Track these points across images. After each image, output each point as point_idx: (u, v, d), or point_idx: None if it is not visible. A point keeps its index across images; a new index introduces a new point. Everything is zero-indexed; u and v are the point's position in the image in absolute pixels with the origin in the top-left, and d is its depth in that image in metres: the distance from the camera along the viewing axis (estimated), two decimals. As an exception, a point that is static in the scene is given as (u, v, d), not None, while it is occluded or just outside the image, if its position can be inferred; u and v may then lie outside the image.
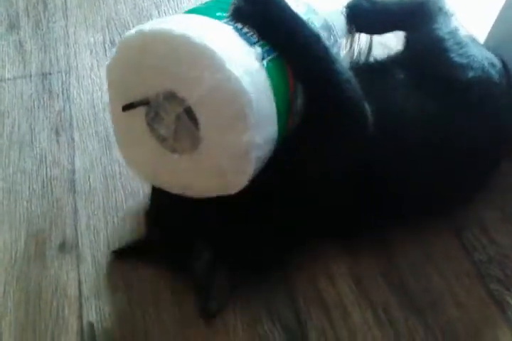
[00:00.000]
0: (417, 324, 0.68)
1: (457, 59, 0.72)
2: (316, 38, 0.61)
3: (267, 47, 0.59)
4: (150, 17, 1.09)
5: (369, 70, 0.79)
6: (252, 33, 0.59)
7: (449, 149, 0.70)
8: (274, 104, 0.58)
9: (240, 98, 0.54)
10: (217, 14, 0.60)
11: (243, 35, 0.58)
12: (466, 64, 0.72)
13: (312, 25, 0.64)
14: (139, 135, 0.62)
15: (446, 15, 0.78)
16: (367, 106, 0.63)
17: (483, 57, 0.75)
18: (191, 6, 0.66)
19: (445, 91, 0.71)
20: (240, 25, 0.59)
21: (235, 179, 0.59)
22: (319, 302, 0.70)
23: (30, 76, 0.98)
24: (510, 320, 0.68)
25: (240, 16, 0.59)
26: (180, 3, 1.11)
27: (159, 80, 0.57)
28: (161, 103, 0.58)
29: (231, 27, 0.58)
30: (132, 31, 0.58)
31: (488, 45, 0.83)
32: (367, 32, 0.82)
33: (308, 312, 0.69)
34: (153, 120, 0.60)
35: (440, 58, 0.73)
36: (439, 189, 0.72)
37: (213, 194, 0.61)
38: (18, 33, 1.06)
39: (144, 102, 0.59)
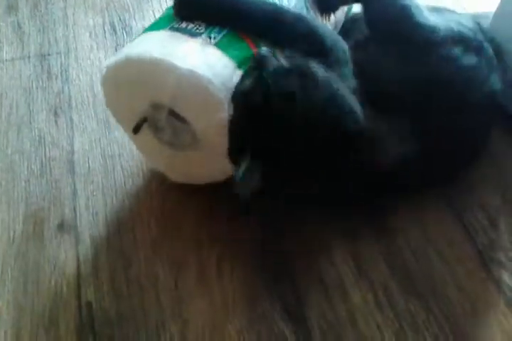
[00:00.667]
0: (418, 306, 0.68)
1: (424, 22, 0.74)
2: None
3: (215, 29, 0.65)
4: (150, 0, 1.08)
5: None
6: (196, 26, 0.65)
7: (433, 107, 0.71)
8: (238, 71, 0.64)
9: (201, 83, 0.61)
10: (165, 24, 0.68)
11: (187, 32, 0.65)
12: (433, 25, 0.74)
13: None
14: (154, 145, 0.71)
15: None
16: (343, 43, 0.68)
17: (449, 20, 0.77)
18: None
19: (421, 51, 0.73)
20: (184, 24, 0.66)
21: None
22: (319, 284, 0.70)
23: (29, 57, 0.97)
24: (511, 303, 0.68)
25: (182, 15, 0.67)
26: (181, -14, 1.10)
27: (142, 96, 0.66)
28: (153, 115, 0.66)
29: (174, 31, 0.66)
30: (108, 63, 0.67)
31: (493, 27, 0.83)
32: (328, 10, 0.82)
33: (309, 293, 0.69)
34: (156, 132, 0.69)
35: (407, 23, 0.74)
36: (429, 157, 0.70)
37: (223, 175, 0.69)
38: (16, 15, 1.05)
39: (143, 120, 0.68)
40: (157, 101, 0.65)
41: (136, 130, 0.69)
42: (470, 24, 0.79)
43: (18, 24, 1.04)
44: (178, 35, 0.65)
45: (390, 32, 0.75)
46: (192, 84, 0.61)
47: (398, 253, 0.72)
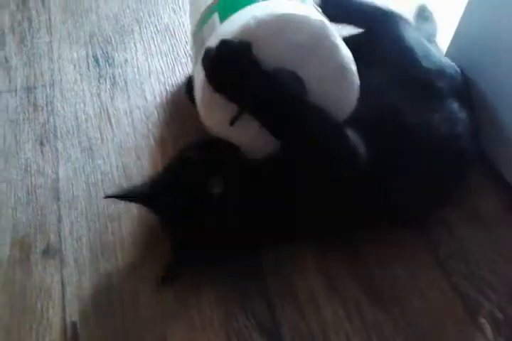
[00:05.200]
0: (384, 318, 0.72)
1: (431, 66, 0.78)
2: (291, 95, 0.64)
3: None
4: (132, 32, 1.13)
5: None
6: None
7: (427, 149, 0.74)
8: None
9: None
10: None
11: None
12: (440, 70, 0.78)
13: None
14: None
15: (407, 23, 0.85)
16: (355, 146, 0.67)
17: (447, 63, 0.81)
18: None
19: (424, 94, 0.76)
20: None
21: (350, 94, 0.69)
22: (293, 300, 0.74)
23: (16, 90, 1.02)
24: (471, 312, 0.72)
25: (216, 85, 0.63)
26: (161, 18, 1.16)
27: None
28: None
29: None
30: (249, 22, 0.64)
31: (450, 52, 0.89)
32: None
33: (282, 307, 0.73)
34: None
35: (415, 65, 0.78)
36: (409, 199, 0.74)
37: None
38: (3, 50, 1.10)
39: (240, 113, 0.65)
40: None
41: (233, 122, 0.66)
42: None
43: (6, 58, 1.09)
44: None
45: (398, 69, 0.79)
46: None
47: (364, 266, 0.77)
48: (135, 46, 1.10)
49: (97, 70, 1.06)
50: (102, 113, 0.97)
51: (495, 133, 0.82)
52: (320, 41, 0.66)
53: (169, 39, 1.11)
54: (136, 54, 1.08)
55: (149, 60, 1.07)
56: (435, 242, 0.79)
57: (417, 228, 0.80)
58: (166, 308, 0.72)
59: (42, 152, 0.91)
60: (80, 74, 1.05)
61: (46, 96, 1.01)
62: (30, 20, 1.17)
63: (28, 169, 0.89)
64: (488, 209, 0.83)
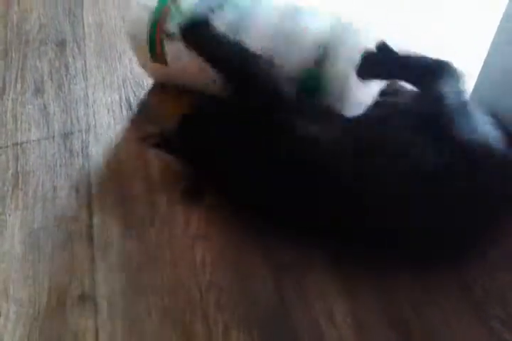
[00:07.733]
0: (419, 364, 0.70)
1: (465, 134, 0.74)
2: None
3: None
4: (163, 74, 1.17)
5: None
6: None
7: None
8: None
9: None
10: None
11: None
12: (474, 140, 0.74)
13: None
14: None
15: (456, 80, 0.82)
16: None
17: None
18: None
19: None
20: None
21: None
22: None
23: (53, 137, 1.06)
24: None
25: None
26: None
27: None
28: None
29: None
30: None
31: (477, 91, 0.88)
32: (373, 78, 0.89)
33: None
34: None
35: (451, 133, 0.75)
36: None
37: None
38: (42, 97, 1.15)
39: None
40: None
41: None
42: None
43: (44, 105, 1.13)
44: None
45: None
46: None
47: (398, 309, 0.75)
48: (166, 88, 1.13)
49: (130, 114, 1.09)
50: (135, 157, 1.00)
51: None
52: None
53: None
54: (166, 96, 1.11)
55: (180, 102, 1.09)
56: (471, 284, 0.76)
57: (452, 268, 0.78)
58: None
59: (77, 198, 0.94)
60: (114, 118, 1.08)
61: (82, 142, 1.05)
62: (67, 66, 1.22)
63: (64, 215, 0.92)
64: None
